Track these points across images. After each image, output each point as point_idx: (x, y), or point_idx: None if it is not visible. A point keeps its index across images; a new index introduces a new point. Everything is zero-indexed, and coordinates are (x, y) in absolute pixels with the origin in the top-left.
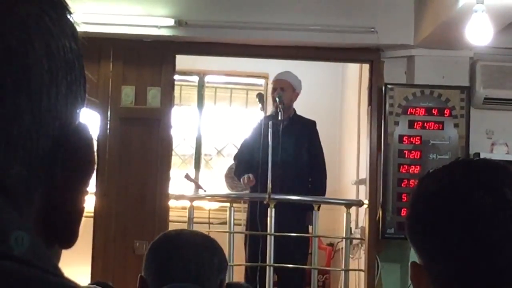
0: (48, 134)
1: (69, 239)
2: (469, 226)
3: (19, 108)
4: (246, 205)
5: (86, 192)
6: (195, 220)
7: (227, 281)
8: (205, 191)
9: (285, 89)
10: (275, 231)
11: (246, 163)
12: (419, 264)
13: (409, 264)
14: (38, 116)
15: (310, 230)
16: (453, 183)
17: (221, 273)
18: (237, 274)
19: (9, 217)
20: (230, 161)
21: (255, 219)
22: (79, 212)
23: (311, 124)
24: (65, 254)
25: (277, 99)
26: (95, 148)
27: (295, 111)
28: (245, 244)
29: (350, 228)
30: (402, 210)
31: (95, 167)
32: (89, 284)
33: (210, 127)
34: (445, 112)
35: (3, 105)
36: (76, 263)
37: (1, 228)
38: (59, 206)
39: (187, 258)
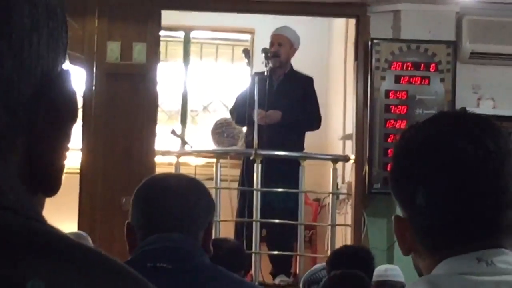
0: (30, 80)
1: (51, 188)
2: (451, 177)
3: (0, 54)
4: (232, 161)
5: (69, 141)
6: None
7: (214, 237)
8: (191, 147)
9: (283, 45)
10: (265, 187)
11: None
12: (402, 217)
13: (393, 218)
14: (19, 62)
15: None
16: (435, 135)
17: (209, 215)
18: (224, 230)
19: None
20: (217, 117)
21: (244, 175)
22: (61, 160)
23: (308, 81)
24: (52, 211)
25: (263, 53)
26: (78, 97)
27: (291, 67)
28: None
29: (337, 184)
30: (389, 165)
31: (77, 114)
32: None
33: (196, 83)
34: (431, 67)
35: None
36: (62, 220)
37: None
38: (41, 153)
39: (172, 203)
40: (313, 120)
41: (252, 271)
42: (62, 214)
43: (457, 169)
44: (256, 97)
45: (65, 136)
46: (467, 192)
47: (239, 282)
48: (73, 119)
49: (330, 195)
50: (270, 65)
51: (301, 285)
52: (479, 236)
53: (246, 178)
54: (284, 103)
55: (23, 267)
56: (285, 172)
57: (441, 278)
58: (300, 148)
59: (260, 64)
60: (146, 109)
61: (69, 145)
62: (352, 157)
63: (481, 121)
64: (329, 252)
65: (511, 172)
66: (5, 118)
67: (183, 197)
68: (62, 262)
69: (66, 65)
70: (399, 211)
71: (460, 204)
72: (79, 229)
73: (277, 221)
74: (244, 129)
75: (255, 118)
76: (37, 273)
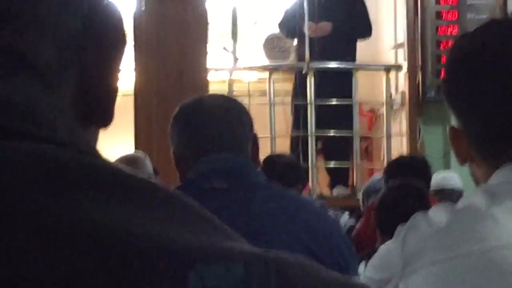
0: (76, 13)
1: (104, 119)
2: (506, 84)
3: None
4: (285, 75)
5: (118, 71)
6: (234, 93)
7: (270, 152)
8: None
9: None
10: (318, 100)
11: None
12: (458, 128)
13: (447, 128)
14: None
15: None
16: (487, 43)
17: (251, 130)
18: (280, 145)
19: (45, 100)
20: (268, 32)
21: (297, 89)
22: (113, 91)
23: None
24: (109, 133)
25: None
26: (125, 27)
27: None
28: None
29: (390, 93)
30: (442, 72)
31: (125, 46)
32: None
33: None
34: None
35: None
36: (119, 142)
37: (39, 112)
38: (92, 86)
39: (219, 124)
40: (364, 28)
41: (310, 184)
42: (119, 136)
43: (509, 77)
44: (305, 9)
45: (114, 67)
46: None
47: (296, 198)
48: (122, 49)
49: (384, 105)
50: None
51: (360, 195)
52: None
53: (300, 92)
54: (333, 13)
55: (91, 208)
56: (338, 85)
57: (498, 187)
58: (352, 58)
59: None
60: (196, 27)
61: (121, 69)
62: (405, 65)
63: None
64: (385, 162)
65: None
66: (54, 52)
67: (227, 116)
68: (129, 200)
69: None
70: (453, 122)
71: None
72: (136, 148)
73: (332, 133)
74: (295, 42)
75: (306, 31)
76: (116, 216)
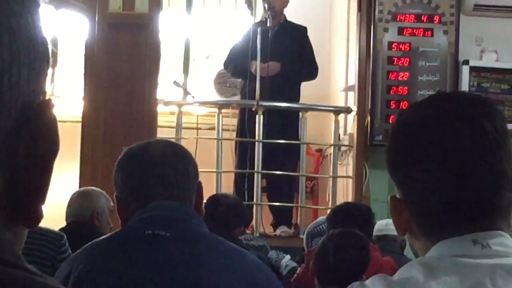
0: (10, 113)
1: (32, 219)
2: (447, 159)
3: None
4: (235, 111)
5: (51, 172)
6: (183, 125)
7: (215, 189)
8: (193, 97)
9: None
10: (265, 138)
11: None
12: (399, 198)
13: (388, 198)
14: None
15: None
16: (432, 116)
17: (196, 178)
18: (225, 181)
19: None
20: (219, 67)
21: (244, 126)
22: (43, 192)
23: (302, 30)
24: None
25: (266, 6)
26: (58, 128)
27: (285, 17)
28: (235, 151)
29: (339, 135)
30: (391, 117)
31: (59, 146)
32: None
33: (199, 31)
34: (435, 18)
35: None
36: (64, 170)
37: None
38: (21, 186)
39: (163, 172)
40: (311, 70)
41: (253, 223)
42: (64, 163)
43: (454, 151)
44: (258, 49)
45: (47, 168)
46: (463, 174)
47: (237, 251)
48: (55, 150)
49: (332, 146)
50: (271, 14)
51: (304, 237)
52: (475, 218)
53: (247, 129)
54: (280, 53)
55: None
56: (285, 123)
57: (436, 261)
58: (297, 99)
59: (261, 14)
60: (148, 58)
61: (51, 177)
62: (354, 108)
63: (478, 102)
64: (330, 203)
65: (508, 154)
66: None
67: (172, 164)
68: None
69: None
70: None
71: (456, 186)
72: (80, 178)
73: (279, 172)
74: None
75: (258, 70)
76: None
